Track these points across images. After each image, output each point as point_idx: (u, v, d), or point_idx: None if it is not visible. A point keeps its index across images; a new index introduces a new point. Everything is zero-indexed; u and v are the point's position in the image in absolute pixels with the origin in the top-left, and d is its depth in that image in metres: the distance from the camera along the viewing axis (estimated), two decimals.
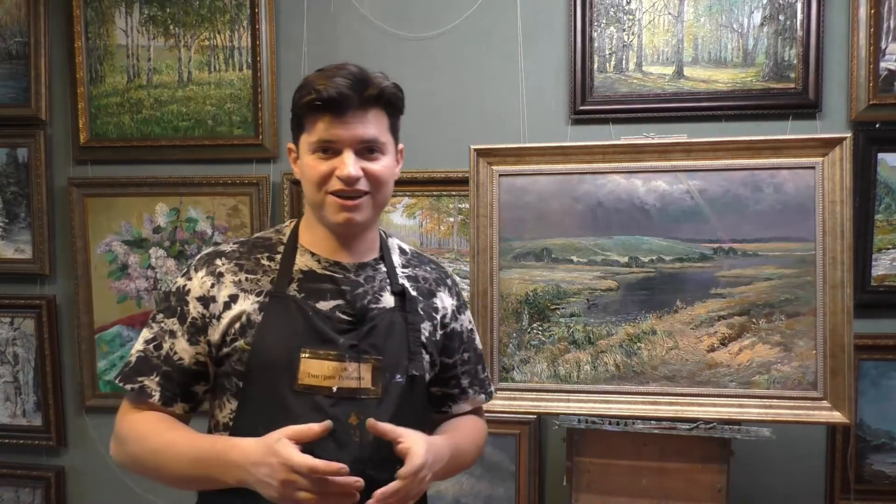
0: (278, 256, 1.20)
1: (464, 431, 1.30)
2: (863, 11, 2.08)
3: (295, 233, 1.22)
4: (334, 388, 1.11)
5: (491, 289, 1.86)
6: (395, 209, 2.35)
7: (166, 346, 1.16)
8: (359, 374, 1.12)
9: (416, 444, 1.07)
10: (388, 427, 1.07)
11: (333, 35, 2.38)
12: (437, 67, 2.32)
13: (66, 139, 2.53)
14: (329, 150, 1.11)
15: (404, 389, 1.17)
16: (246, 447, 1.04)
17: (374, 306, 1.18)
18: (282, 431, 1.02)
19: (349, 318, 1.16)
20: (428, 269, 1.32)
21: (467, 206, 2.17)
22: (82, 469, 2.59)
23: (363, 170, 1.12)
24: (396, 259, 1.28)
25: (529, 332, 1.85)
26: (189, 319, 1.15)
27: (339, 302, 1.16)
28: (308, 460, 0.98)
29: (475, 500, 2.31)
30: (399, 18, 2.34)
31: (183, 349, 1.15)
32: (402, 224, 2.36)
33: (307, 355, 1.11)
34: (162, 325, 1.17)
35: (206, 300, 1.15)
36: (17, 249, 2.56)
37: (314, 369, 1.11)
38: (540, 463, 2.29)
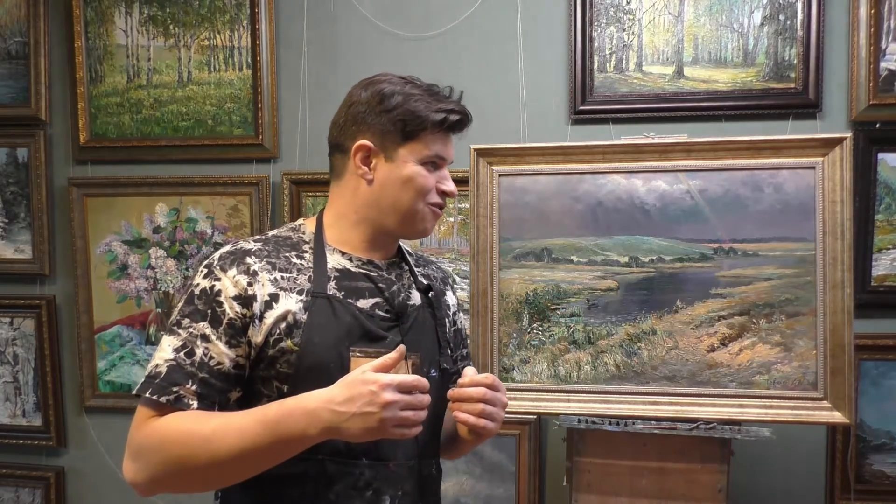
0: (307, 255, 1.17)
1: None
2: (863, 11, 2.08)
3: (320, 232, 1.20)
4: None
5: (491, 289, 1.86)
6: None
7: (199, 351, 1.07)
8: (406, 371, 1.13)
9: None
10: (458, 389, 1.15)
11: (333, 35, 2.38)
12: (436, 67, 2.31)
13: (66, 139, 2.53)
14: (436, 165, 1.18)
15: (438, 383, 1.21)
16: (323, 393, 1.00)
17: (408, 303, 1.22)
18: (364, 367, 1.01)
19: (388, 316, 1.18)
20: (433, 268, 1.38)
21: (467, 206, 2.17)
22: (82, 469, 2.59)
23: None
24: (410, 259, 1.31)
25: (529, 332, 1.85)
26: (226, 321, 1.08)
27: (378, 300, 1.18)
28: (414, 377, 1.01)
29: (475, 500, 2.31)
30: (399, 18, 2.34)
31: (221, 353, 1.08)
32: None
33: (358, 354, 1.10)
34: (190, 329, 1.08)
35: (244, 299, 1.09)
36: (17, 249, 2.56)
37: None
38: (540, 463, 2.29)
